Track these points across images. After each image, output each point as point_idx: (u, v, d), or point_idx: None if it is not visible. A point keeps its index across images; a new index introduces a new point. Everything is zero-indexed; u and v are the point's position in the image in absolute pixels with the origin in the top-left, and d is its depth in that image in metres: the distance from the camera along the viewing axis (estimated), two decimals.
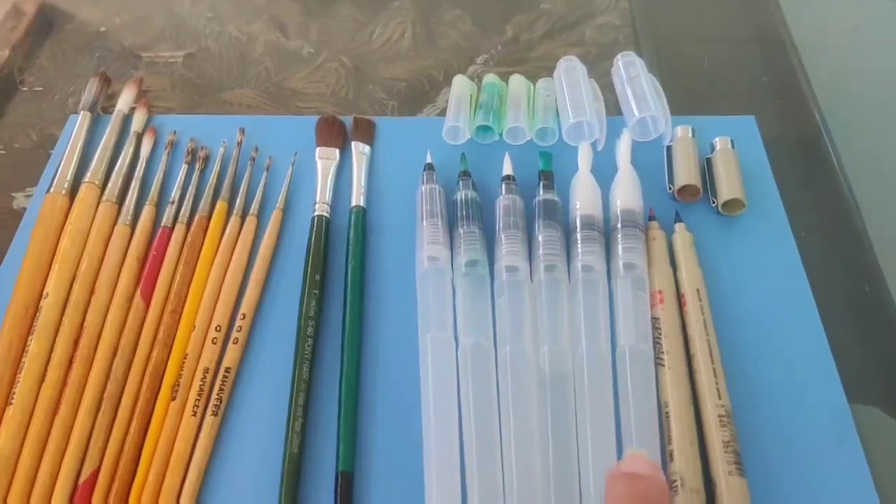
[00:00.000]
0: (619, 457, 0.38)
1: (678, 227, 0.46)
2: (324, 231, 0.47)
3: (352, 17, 0.65)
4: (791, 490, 0.38)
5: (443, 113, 0.55)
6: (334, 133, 0.52)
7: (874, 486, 0.38)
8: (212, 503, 0.38)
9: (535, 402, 0.39)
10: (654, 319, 0.42)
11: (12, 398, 0.40)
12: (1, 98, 0.59)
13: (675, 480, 0.37)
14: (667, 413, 0.39)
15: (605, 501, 0.33)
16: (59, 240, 0.46)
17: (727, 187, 0.47)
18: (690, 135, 0.50)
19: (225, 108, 0.57)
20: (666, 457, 0.38)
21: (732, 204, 0.47)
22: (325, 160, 0.50)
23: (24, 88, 0.60)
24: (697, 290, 0.43)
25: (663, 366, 0.40)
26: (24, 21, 0.64)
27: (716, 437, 0.38)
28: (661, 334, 0.41)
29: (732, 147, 0.49)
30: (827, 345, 0.42)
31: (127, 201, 0.48)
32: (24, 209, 0.50)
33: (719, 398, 0.39)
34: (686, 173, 0.48)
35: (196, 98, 0.58)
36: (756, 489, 0.37)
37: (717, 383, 0.39)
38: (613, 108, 0.54)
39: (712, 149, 0.50)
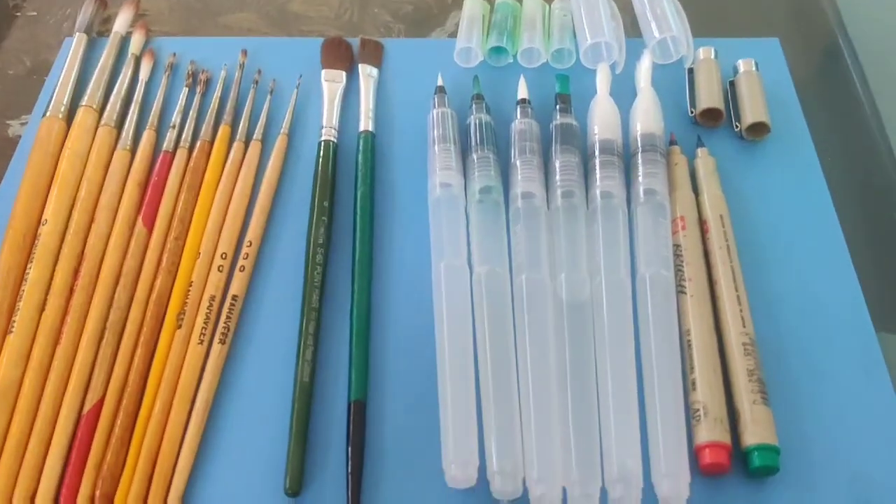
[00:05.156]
0: (640, 388, 0.37)
1: (700, 152, 0.44)
2: (331, 156, 0.45)
3: None
4: (817, 419, 0.37)
5: (453, 36, 0.53)
6: (340, 55, 0.50)
7: None
8: (220, 432, 0.37)
9: (552, 332, 0.38)
10: (676, 246, 0.40)
11: (12, 326, 0.38)
12: None
13: (698, 409, 0.36)
14: (689, 342, 0.38)
15: None
16: (56, 165, 0.44)
17: (751, 111, 0.46)
18: (713, 56, 0.48)
19: (224, 33, 0.55)
20: (688, 386, 0.37)
21: (757, 128, 0.46)
22: (331, 83, 0.49)
23: (18, 14, 0.58)
24: (720, 217, 0.41)
25: (685, 294, 0.39)
26: None
27: (740, 365, 0.37)
28: (682, 262, 0.40)
29: (756, 70, 0.48)
30: (853, 271, 0.41)
31: (126, 126, 0.46)
32: (20, 137, 0.49)
33: (743, 326, 0.38)
34: (709, 96, 0.46)
35: (195, 22, 0.56)
36: (781, 419, 0.36)
37: (740, 311, 0.38)
38: (629, 29, 0.52)
39: (735, 72, 0.48)
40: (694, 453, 0.35)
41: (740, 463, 0.35)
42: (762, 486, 0.35)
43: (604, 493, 0.34)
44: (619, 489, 0.34)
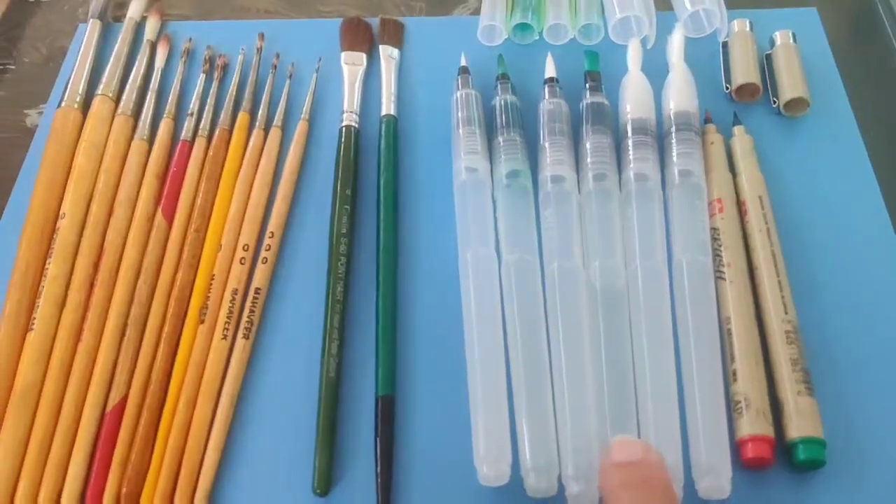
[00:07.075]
0: (679, 379, 0.35)
1: (737, 129, 0.43)
2: (353, 142, 0.44)
3: None
4: (864, 411, 0.35)
5: (476, 13, 0.51)
6: (360, 36, 0.49)
7: None
8: (246, 429, 0.36)
9: (586, 322, 0.37)
10: (714, 230, 0.39)
11: (33, 324, 0.38)
12: (7, 11, 0.56)
13: (740, 402, 0.34)
14: (728, 330, 0.36)
15: (600, 491, 0.31)
16: (73, 157, 0.43)
17: (790, 85, 0.44)
18: (748, 29, 0.47)
19: (241, 16, 0.54)
20: (728, 377, 0.35)
21: (795, 103, 0.44)
22: (351, 66, 0.47)
23: (31, 0, 0.57)
24: (759, 198, 0.40)
25: (724, 279, 0.37)
26: None
27: (782, 354, 0.35)
28: (720, 246, 0.38)
29: (794, 41, 0.46)
30: None
31: (143, 114, 0.45)
32: (38, 127, 0.48)
33: (786, 312, 0.36)
34: (745, 71, 0.45)
35: (210, 4, 0.55)
36: (827, 410, 0.34)
37: (782, 297, 0.37)
38: (660, 2, 0.50)
39: (772, 44, 0.46)
40: (736, 447, 0.34)
41: (784, 457, 0.34)
42: (807, 481, 0.34)
43: None
44: None
